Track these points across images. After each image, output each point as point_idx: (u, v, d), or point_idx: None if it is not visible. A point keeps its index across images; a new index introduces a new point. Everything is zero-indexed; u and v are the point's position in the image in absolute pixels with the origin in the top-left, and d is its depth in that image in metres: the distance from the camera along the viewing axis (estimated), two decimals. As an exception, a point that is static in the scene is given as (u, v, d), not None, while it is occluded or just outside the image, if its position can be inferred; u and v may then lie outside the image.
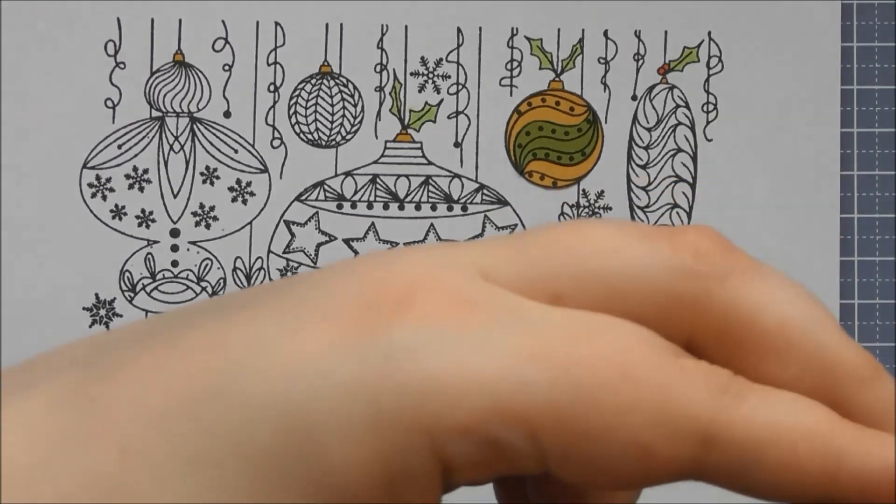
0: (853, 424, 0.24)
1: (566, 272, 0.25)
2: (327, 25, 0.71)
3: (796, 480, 0.24)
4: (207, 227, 0.70)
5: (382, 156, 0.71)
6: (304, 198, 0.70)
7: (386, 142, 0.71)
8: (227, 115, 0.70)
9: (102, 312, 0.69)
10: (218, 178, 0.70)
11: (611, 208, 0.71)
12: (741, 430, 0.23)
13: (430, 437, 0.23)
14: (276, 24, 0.70)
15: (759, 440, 0.23)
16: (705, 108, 0.71)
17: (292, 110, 0.70)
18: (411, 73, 0.71)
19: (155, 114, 0.70)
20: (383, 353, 0.23)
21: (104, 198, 0.69)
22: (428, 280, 0.24)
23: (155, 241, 0.70)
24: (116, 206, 0.69)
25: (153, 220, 0.70)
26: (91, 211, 0.69)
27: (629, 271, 0.25)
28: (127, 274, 0.69)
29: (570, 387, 0.23)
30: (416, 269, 0.24)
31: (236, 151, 0.70)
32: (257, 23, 0.70)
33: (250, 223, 0.70)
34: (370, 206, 0.70)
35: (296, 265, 0.70)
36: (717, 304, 0.25)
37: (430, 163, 0.71)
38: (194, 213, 0.70)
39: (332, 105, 0.71)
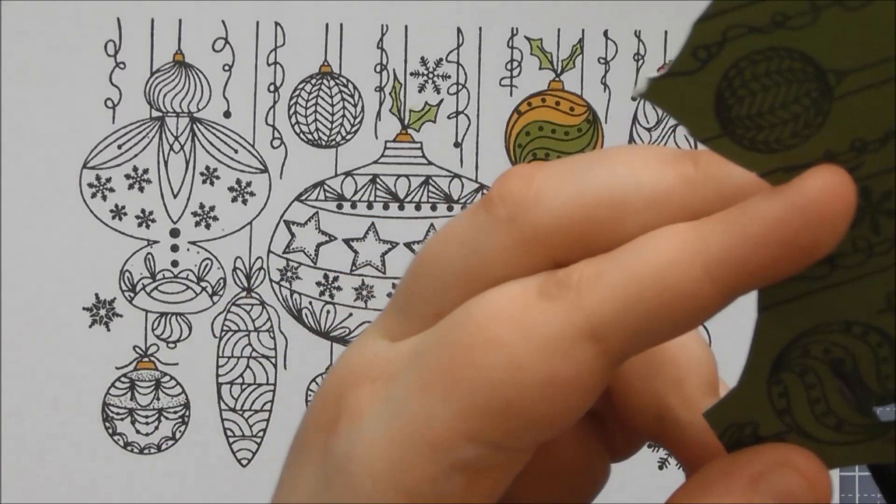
0: (702, 221, 0.24)
1: (426, 293, 0.27)
2: (327, 25, 0.71)
3: (689, 303, 0.24)
4: (207, 227, 0.70)
5: (382, 156, 0.71)
6: (304, 198, 0.70)
7: (386, 142, 0.71)
8: (227, 115, 0.70)
9: (102, 312, 0.69)
10: (218, 178, 0.70)
11: (611, 208, 0.71)
12: (610, 306, 0.24)
13: None
14: (276, 24, 0.70)
15: (629, 302, 0.24)
16: (705, 108, 0.71)
17: (292, 110, 0.70)
18: (411, 73, 0.71)
19: (155, 114, 0.70)
20: (339, 470, 0.26)
21: (104, 198, 0.69)
22: (350, 374, 0.27)
23: (155, 241, 0.70)
24: (116, 206, 0.69)
25: (153, 220, 0.70)
26: (91, 211, 0.69)
27: (463, 254, 0.27)
28: (127, 274, 0.69)
29: (460, 390, 0.25)
30: (344, 364, 0.27)
31: (236, 151, 0.70)
32: (257, 23, 0.70)
33: (250, 223, 0.70)
34: (370, 206, 0.70)
35: (296, 265, 0.70)
36: (542, 227, 0.26)
37: (430, 163, 0.71)
38: (194, 213, 0.70)
39: (332, 105, 0.71)
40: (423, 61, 0.71)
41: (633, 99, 0.70)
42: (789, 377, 0.27)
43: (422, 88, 0.71)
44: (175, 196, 0.70)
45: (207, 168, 0.70)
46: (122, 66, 0.70)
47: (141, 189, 0.70)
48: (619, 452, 0.31)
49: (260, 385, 0.70)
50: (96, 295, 0.69)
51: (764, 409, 0.28)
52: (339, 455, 0.26)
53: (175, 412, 0.70)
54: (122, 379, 0.69)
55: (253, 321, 0.70)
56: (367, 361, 0.27)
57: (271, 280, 0.70)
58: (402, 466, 0.25)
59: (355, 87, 0.71)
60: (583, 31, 0.71)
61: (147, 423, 0.69)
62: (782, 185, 0.24)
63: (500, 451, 0.25)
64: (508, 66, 0.71)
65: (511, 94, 0.71)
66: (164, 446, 0.70)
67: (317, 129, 0.70)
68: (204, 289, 0.70)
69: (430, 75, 0.71)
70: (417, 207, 0.70)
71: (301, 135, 0.70)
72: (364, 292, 0.70)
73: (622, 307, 0.24)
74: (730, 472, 0.26)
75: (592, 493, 0.30)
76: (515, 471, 0.26)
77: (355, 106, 0.71)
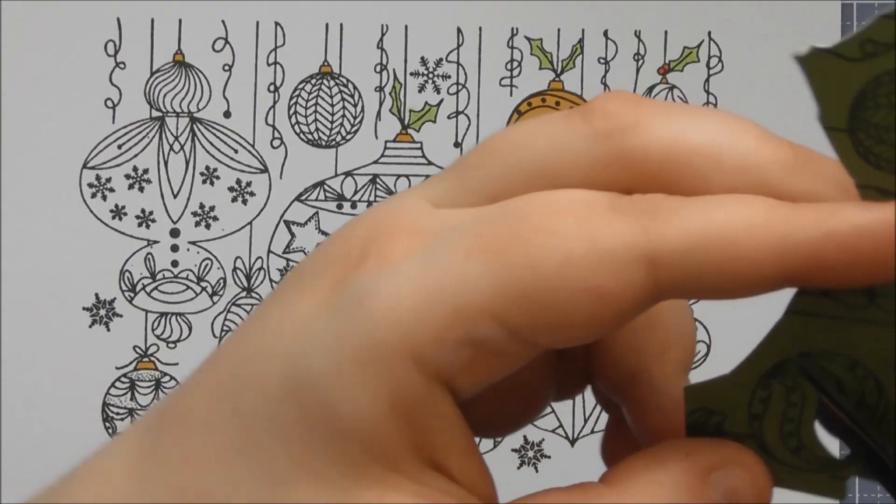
0: (790, 204, 0.25)
1: (494, 172, 0.27)
2: (327, 25, 0.71)
3: (749, 270, 0.24)
4: (207, 227, 0.70)
5: (382, 156, 0.71)
6: (304, 198, 0.70)
7: (386, 142, 0.71)
8: (227, 115, 0.70)
9: (102, 312, 0.69)
10: (218, 178, 0.70)
11: (611, 208, 0.71)
12: (678, 241, 0.24)
13: (413, 360, 0.25)
14: (276, 24, 0.70)
15: (697, 244, 0.24)
16: (705, 108, 0.71)
17: (292, 110, 0.70)
18: (411, 73, 0.71)
19: (155, 114, 0.70)
20: (354, 301, 0.25)
21: (104, 198, 0.69)
22: (385, 224, 0.27)
23: (155, 241, 0.70)
24: (116, 206, 0.69)
25: (153, 220, 0.70)
26: (91, 211, 0.69)
27: (548, 150, 0.26)
28: (127, 274, 0.69)
29: (505, 267, 0.25)
30: (378, 216, 0.27)
31: (236, 151, 0.70)
32: (257, 23, 0.70)
33: (250, 223, 0.70)
34: (370, 206, 0.70)
35: (296, 265, 0.70)
36: (634, 153, 0.26)
37: (430, 163, 0.71)
38: (194, 213, 0.70)
39: (332, 105, 0.71)
40: (423, 61, 0.71)
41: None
42: (777, 387, 0.27)
43: (422, 88, 0.71)
44: (175, 196, 0.70)
45: (207, 168, 0.70)
46: (122, 66, 0.70)
47: (141, 189, 0.70)
48: (564, 393, 0.31)
49: (260, 385, 0.70)
50: (96, 295, 0.69)
51: (740, 407, 0.28)
52: (360, 289, 0.25)
53: (175, 412, 0.70)
54: (123, 379, 0.69)
55: (253, 321, 0.70)
56: (406, 216, 0.27)
57: (271, 280, 0.70)
58: (419, 317, 0.25)
59: (355, 87, 0.71)
60: (583, 31, 0.71)
61: (147, 423, 0.69)
62: (877, 202, 0.25)
63: (516, 343, 0.25)
64: (508, 66, 0.71)
65: (511, 94, 0.71)
66: (164, 446, 0.70)
67: (317, 129, 0.70)
68: (204, 289, 0.70)
69: (430, 75, 0.71)
70: (417, 207, 0.70)
71: (301, 135, 0.70)
72: (364, 292, 0.70)
73: (688, 247, 0.24)
74: (690, 455, 0.26)
75: (523, 422, 0.31)
76: (509, 369, 0.26)
77: (355, 106, 0.71)
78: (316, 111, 0.71)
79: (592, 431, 0.71)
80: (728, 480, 0.26)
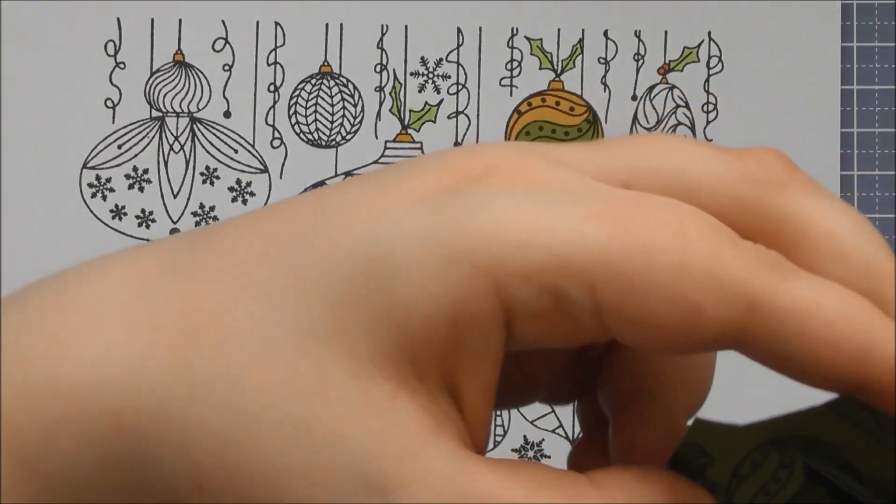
0: (890, 318, 0.25)
1: (638, 163, 0.27)
2: (327, 25, 0.71)
3: (830, 358, 0.25)
4: (207, 227, 0.70)
5: (382, 156, 0.71)
6: (304, 198, 0.70)
7: (386, 142, 0.71)
8: (227, 115, 0.70)
9: (102, 312, 0.69)
10: (218, 178, 0.70)
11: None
12: (785, 301, 0.25)
13: (493, 281, 0.25)
14: (276, 24, 0.70)
15: (800, 312, 0.25)
16: (705, 108, 0.71)
17: (292, 110, 0.70)
18: (411, 73, 0.71)
19: (155, 114, 0.70)
20: (459, 205, 0.25)
21: (104, 198, 0.69)
22: (508, 162, 0.26)
23: (155, 241, 0.70)
24: (116, 206, 0.69)
25: (153, 220, 0.70)
26: (91, 211, 0.69)
27: (698, 169, 0.27)
28: (127, 274, 0.69)
29: (625, 243, 0.25)
30: (499, 153, 0.26)
31: (236, 151, 0.70)
32: (257, 23, 0.70)
33: (250, 223, 0.70)
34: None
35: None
36: (776, 209, 0.27)
37: (430, 163, 0.71)
38: (194, 213, 0.70)
39: (332, 105, 0.71)
40: (423, 61, 0.71)
41: (633, 99, 0.70)
42: (773, 457, 0.28)
43: (422, 88, 0.71)
44: (175, 196, 0.70)
45: (207, 168, 0.70)
46: (122, 66, 0.70)
47: (141, 189, 0.70)
48: (555, 396, 0.32)
49: (260, 385, 0.70)
50: (96, 295, 0.69)
51: (731, 461, 0.28)
52: (471, 199, 0.25)
53: (175, 412, 0.70)
54: (122, 379, 0.69)
55: (253, 321, 0.70)
56: (538, 160, 0.26)
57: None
58: (518, 246, 0.25)
59: (355, 87, 0.71)
60: (583, 31, 0.71)
61: (147, 423, 0.70)
62: None
63: (594, 317, 0.25)
64: (508, 66, 0.71)
65: (511, 94, 0.71)
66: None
67: (317, 129, 0.70)
68: (204, 289, 0.70)
69: (430, 75, 0.71)
70: (417, 207, 0.71)
71: (301, 135, 0.70)
72: (364, 292, 0.70)
73: (790, 311, 0.25)
74: (672, 483, 0.26)
75: (502, 404, 0.31)
76: (563, 341, 0.26)
77: (355, 106, 0.71)
78: (316, 111, 0.71)
79: (592, 431, 0.71)
80: None
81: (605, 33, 0.71)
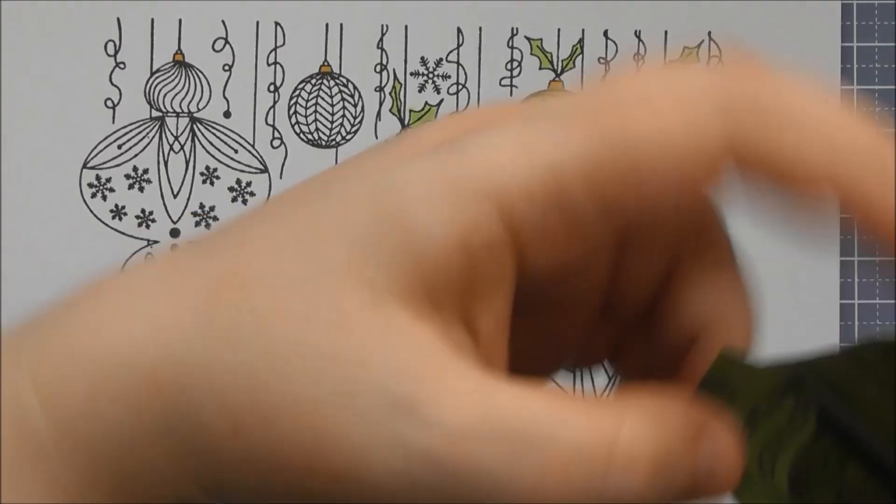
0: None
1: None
2: (327, 25, 0.71)
3: (822, 150, 0.26)
4: (207, 227, 0.70)
5: (382, 156, 0.71)
6: (304, 198, 0.70)
7: (386, 142, 0.71)
8: (227, 115, 0.70)
9: (102, 312, 0.69)
10: (218, 178, 0.70)
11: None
12: (767, 100, 0.26)
13: (498, 206, 0.26)
14: (276, 24, 0.70)
15: (781, 108, 0.26)
16: (705, 108, 0.71)
17: (292, 110, 0.70)
18: (411, 73, 0.71)
19: (155, 114, 0.70)
20: (459, 148, 0.27)
21: (104, 198, 0.69)
22: (498, 114, 0.28)
23: (155, 241, 0.70)
24: (116, 206, 0.69)
25: (153, 220, 0.70)
26: (91, 211, 0.69)
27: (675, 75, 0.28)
28: (127, 274, 0.70)
29: (607, 139, 0.26)
30: (490, 109, 0.29)
31: (236, 151, 0.70)
32: (257, 23, 0.70)
33: (250, 223, 0.70)
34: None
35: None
36: (747, 94, 0.27)
37: (430, 163, 0.71)
38: (194, 213, 0.70)
39: (332, 105, 0.71)
40: (423, 61, 0.71)
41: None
42: (789, 402, 0.28)
43: (422, 88, 0.71)
44: (175, 196, 0.70)
45: (207, 168, 0.70)
46: (122, 66, 0.70)
47: (141, 189, 0.70)
48: (584, 358, 0.33)
49: (260, 385, 0.70)
50: (96, 295, 0.69)
51: (750, 399, 0.28)
52: (466, 142, 0.27)
53: (175, 412, 0.70)
54: (122, 379, 0.69)
55: (253, 321, 0.70)
56: (523, 106, 0.29)
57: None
58: (514, 169, 0.26)
59: (355, 87, 0.71)
60: (583, 31, 0.71)
61: (147, 423, 0.70)
62: None
63: (602, 217, 0.26)
64: (508, 66, 0.71)
65: (511, 94, 0.71)
66: (164, 446, 0.70)
67: (317, 129, 0.70)
68: (204, 289, 0.70)
69: (430, 75, 0.71)
70: (417, 207, 0.71)
71: (301, 135, 0.70)
72: (364, 292, 0.70)
73: (774, 107, 0.27)
74: (695, 420, 0.27)
75: (540, 371, 0.32)
76: (581, 251, 0.27)
77: (355, 106, 0.71)
78: (316, 111, 0.71)
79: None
80: (715, 445, 0.27)
81: (605, 33, 0.71)
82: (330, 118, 0.70)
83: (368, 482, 0.25)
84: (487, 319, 0.27)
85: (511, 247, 0.27)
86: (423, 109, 0.71)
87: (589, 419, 0.26)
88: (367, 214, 0.26)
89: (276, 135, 0.70)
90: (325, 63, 0.71)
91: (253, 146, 0.70)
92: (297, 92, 0.71)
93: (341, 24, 0.71)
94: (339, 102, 0.71)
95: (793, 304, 0.70)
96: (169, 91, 0.70)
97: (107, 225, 0.69)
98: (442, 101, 0.71)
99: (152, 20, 0.70)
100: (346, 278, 0.26)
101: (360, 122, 0.71)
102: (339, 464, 0.25)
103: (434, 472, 0.25)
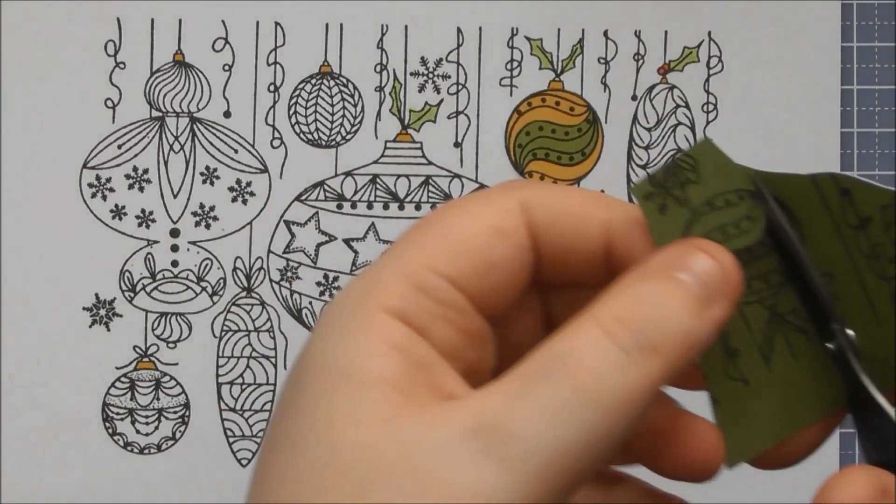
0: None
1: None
2: (327, 25, 0.71)
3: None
4: (207, 227, 0.70)
5: (382, 156, 0.71)
6: (304, 198, 0.70)
7: (386, 142, 0.71)
8: (227, 115, 0.70)
9: (102, 312, 0.69)
10: (218, 178, 0.70)
11: (611, 208, 0.70)
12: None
13: (390, 314, 0.34)
14: (276, 24, 0.70)
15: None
16: (705, 108, 0.71)
17: (292, 110, 0.70)
18: (411, 73, 0.71)
19: (155, 114, 0.70)
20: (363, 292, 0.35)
21: (104, 198, 0.69)
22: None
23: (155, 241, 0.70)
24: (116, 206, 0.69)
25: (153, 220, 0.70)
26: (91, 211, 0.69)
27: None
28: (127, 274, 0.69)
29: (434, 237, 0.35)
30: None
31: (236, 151, 0.70)
32: (257, 23, 0.70)
33: (250, 223, 0.70)
34: (370, 206, 0.70)
35: (296, 265, 0.70)
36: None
37: (430, 163, 0.71)
38: (194, 213, 0.70)
39: (332, 105, 0.71)
40: (423, 61, 0.71)
41: (633, 99, 0.71)
42: (745, 205, 0.33)
43: (422, 88, 0.71)
44: (175, 196, 0.70)
45: (207, 168, 0.70)
46: (122, 66, 0.70)
47: (141, 189, 0.70)
48: None
49: (260, 385, 0.70)
50: (96, 295, 0.69)
51: (712, 188, 0.33)
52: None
53: (175, 412, 0.70)
54: (123, 379, 0.69)
55: (253, 321, 0.70)
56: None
57: (271, 280, 0.70)
58: (389, 285, 0.34)
59: (355, 87, 0.71)
60: (583, 31, 0.71)
61: (147, 423, 0.69)
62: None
63: (455, 291, 0.35)
64: (508, 66, 0.71)
65: (511, 94, 0.71)
66: (164, 446, 0.70)
67: (317, 129, 0.70)
68: (204, 289, 0.70)
69: (430, 75, 0.71)
70: (417, 207, 0.70)
71: (301, 135, 0.70)
72: (364, 292, 0.70)
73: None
74: (672, 262, 0.33)
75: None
76: (471, 323, 0.35)
77: (355, 106, 0.71)
78: (316, 111, 0.71)
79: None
80: (696, 266, 0.32)
81: (605, 33, 0.71)
82: (330, 118, 0.71)
83: None
84: (457, 384, 0.34)
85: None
86: (423, 109, 0.71)
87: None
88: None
89: (276, 135, 0.70)
90: (325, 63, 0.71)
91: (253, 146, 0.70)
92: (297, 92, 0.71)
93: (341, 24, 0.71)
94: (339, 102, 0.71)
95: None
96: (169, 91, 0.70)
97: (107, 225, 0.69)
98: (442, 101, 0.71)
99: (152, 20, 0.70)
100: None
101: (360, 122, 0.71)
102: None
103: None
